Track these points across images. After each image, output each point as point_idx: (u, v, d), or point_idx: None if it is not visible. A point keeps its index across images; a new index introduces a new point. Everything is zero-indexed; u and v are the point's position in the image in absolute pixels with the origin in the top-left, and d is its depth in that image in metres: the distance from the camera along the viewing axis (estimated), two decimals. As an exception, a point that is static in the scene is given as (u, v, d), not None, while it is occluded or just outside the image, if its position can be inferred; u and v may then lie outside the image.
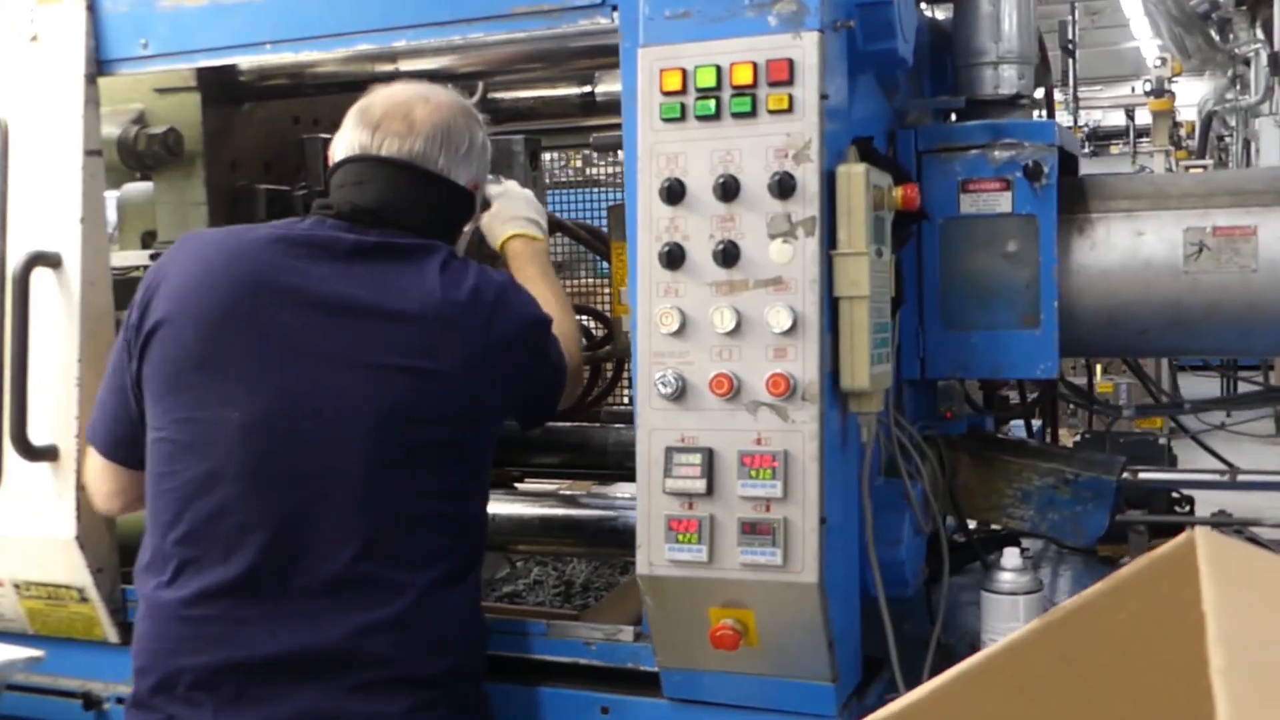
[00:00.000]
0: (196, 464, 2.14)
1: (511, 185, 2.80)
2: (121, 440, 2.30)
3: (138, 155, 2.96)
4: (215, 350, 2.15)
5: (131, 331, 2.24)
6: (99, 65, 2.72)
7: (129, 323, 2.25)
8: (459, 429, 2.22)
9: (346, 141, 2.33)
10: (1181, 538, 1.16)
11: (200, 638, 2.13)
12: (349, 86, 2.93)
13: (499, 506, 3.03)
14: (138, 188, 3.20)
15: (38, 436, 2.62)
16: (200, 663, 2.12)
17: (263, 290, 2.18)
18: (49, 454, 2.63)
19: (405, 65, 2.82)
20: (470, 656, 2.29)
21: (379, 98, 2.34)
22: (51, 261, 2.62)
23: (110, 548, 2.67)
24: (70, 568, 2.65)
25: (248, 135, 3.10)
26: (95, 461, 2.38)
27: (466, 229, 2.47)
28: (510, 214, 2.71)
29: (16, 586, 2.76)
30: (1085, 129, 16.56)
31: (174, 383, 2.17)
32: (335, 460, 2.13)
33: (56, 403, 2.64)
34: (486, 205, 2.70)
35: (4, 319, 2.66)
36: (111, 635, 2.72)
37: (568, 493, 3.49)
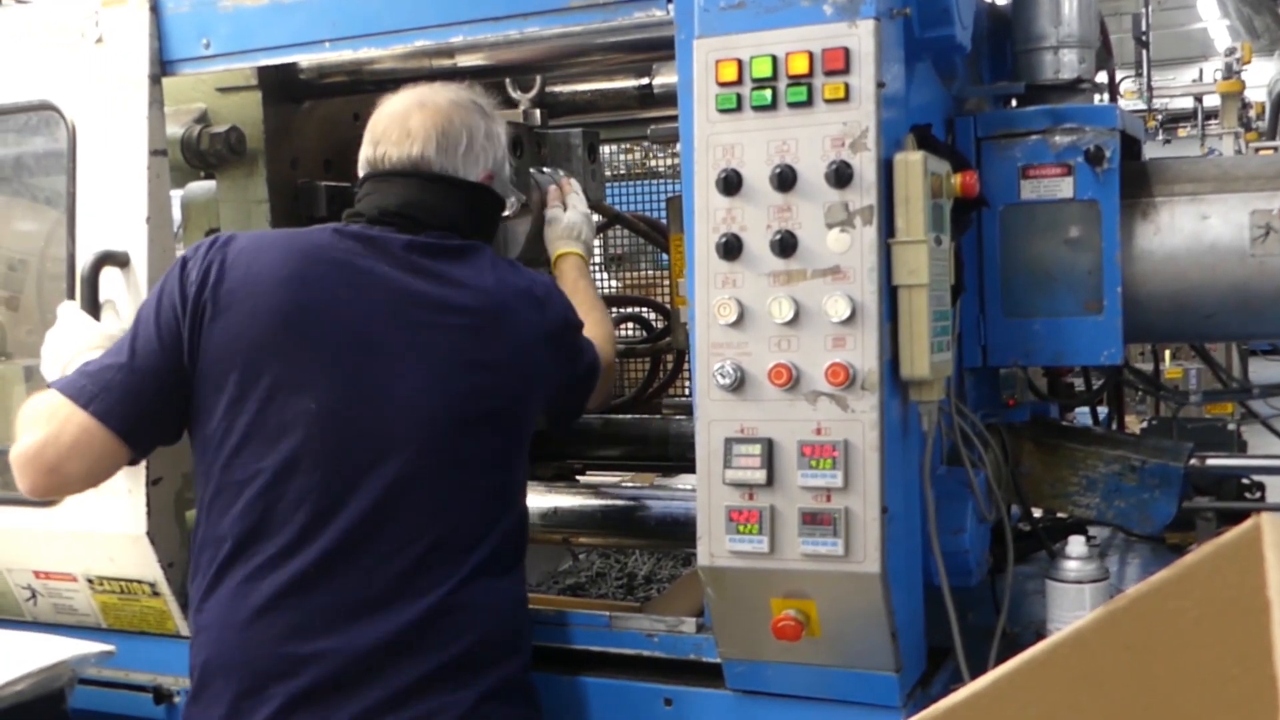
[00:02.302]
0: (270, 453, 2.17)
1: (574, 207, 2.92)
2: (143, 418, 2.24)
3: (201, 154, 3.00)
4: (289, 339, 2.19)
5: (184, 313, 2.22)
6: (163, 66, 2.76)
7: (175, 304, 2.23)
8: (509, 419, 2.32)
9: (360, 159, 2.45)
10: (1247, 524, 1.15)
11: (271, 628, 2.15)
12: (407, 83, 2.96)
13: (562, 499, 3.06)
14: (201, 186, 3.24)
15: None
16: (269, 654, 2.14)
17: (335, 281, 2.23)
18: None
19: (463, 60, 2.83)
20: (524, 646, 2.35)
21: (381, 112, 2.43)
22: (120, 261, 2.66)
23: (180, 542, 2.70)
24: (142, 562, 2.69)
25: (308, 133, 3.13)
26: (84, 434, 2.20)
27: (514, 223, 2.51)
28: (569, 234, 2.87)
29: (89, 581, 2.81)
30: (1160, 115, 16.28)
31: (244, 371, 2.18)
32: (406, 449, 2.18)
33: None
34: (527, 207, 2.88)
35: (74, 318, 2.69)
36: (183, 629, 2.75)
37: (629, 485, 3.51)
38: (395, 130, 2.38)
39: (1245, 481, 3.03)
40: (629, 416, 3.56)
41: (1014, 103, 2.75)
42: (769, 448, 2.13)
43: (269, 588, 2.16)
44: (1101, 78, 2.85)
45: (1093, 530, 3.01)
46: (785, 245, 2.12)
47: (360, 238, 2.30)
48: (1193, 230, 2.54)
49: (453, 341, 2.24)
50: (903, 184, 2.11)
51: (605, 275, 4.41)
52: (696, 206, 2.20)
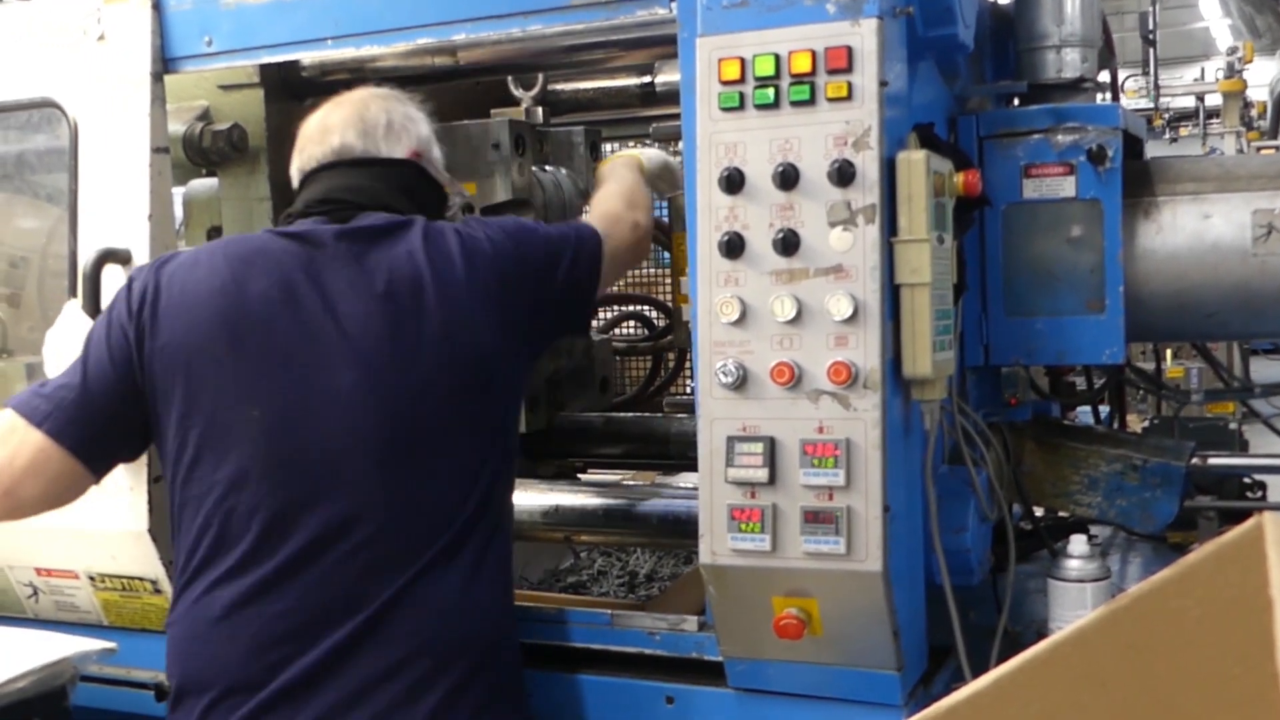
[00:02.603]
0: (222, 465, 2.16)
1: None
2: (98, 437, 2.27)
3: (203, 152, 3.00)
4: (229, 349, 2.18)
5: (131, 334, 2.24)
6: (165, 63, 2.76)
7: (122, 324, 2.25)
8: (465, 391, 2.23)
9: (292, 173, 2.46)
10: (1249, 523, 1.15)
11: (234, 640, 2.14)
12: (410, 81, 2.96)
13: (563, 497, 3.05)
14: (203, 184, 3.24)
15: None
16: (235, 666, 2.13)
17: (269, 284, 2.21)
18: None
19: (465, 58, 2.83)
20: (501, 644, 2.30)
21: (302, 129, 2.46)
22: (121, 258, 2.66)
23: None
24: (143, 559, 2.69)
25: (310, 130, 3.12)
26: (39, 454, 2.23)
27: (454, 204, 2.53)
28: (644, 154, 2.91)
29: (91, 578, 2.81)
30: (1166, 114, 16.24)
31: (189, 386, 2.18)
32: (357, 446, 2.15)
33: None
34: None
35: (76, 315, 2.69)
36: None
37: (631, 483, 3.50)
38: (315, 133, 2.41)
39: (1246, 481, 3.03)
40: (630, 415, 3.56)
41: (1016, 102, 2.75)
42: (771, 446, 2.13)
43: (228, 599, 2.15)
44: (1104, 77, 2.84)
45: (1094, 529, 3.01)
46: (788, 244, 2.12)
47: (292, 235, 2.28)
48: (1195, 229, 2.54)
49: (389, 329, 2.18)
50: (905, 183, 2.11)
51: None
52: (699, 205, 2.20)
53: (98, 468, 2.30)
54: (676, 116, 2.38)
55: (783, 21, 2.14)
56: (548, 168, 3.15)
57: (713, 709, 2.38)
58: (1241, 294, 2.50)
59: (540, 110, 3.27)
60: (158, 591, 2.73)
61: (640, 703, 2.45)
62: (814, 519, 2.11)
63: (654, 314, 3.92)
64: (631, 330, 3.98)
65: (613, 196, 2.67)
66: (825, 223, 2.11)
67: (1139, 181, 2.59)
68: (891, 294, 2.13)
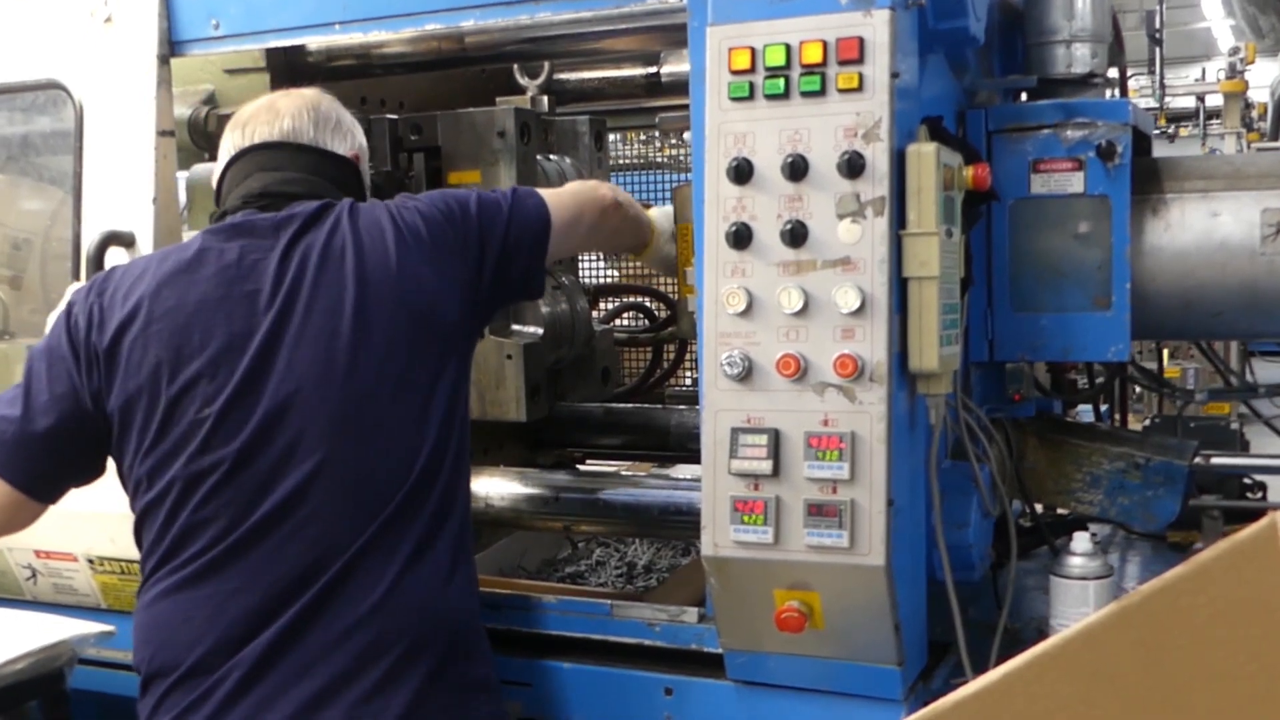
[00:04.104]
0: (175, 464, 2.14)
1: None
2: (42, 471, 2.26)
3: (208, 136, 3.00)
4: (179, 356, 2.15)
5: (77, 364, 2.22)
6: (171, 46, 2.75)
7: (65, 355, 2.23)
8: (418, 357, 2.20)
9: (223, 149, 2.38)
10: (1263, 522, 1.14)
11: (191, 621, 2.12)
12: (417, 67, 2.96)
13: (561, 487, 3.04)
14: (207, 168, 3.22)
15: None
16: (197, 646, 2.11)
17: (210, 285, 2.18)
18: None
19: (472, 46, 2.82)
20: (461, 615, 2.24)
21: (244, 107, 2.41)
22: (125, 241, 2.66)
23: None
24: None
25: (315, 116, 3.11)
26: None
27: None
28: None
29: (90, 561, 2.81)
30: (1168, 112, 16.17)
31: (149, 400, 2.16)
32: (305, 434, 2.12)
33: None
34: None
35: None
36: None
37: (629, 474, 3.50)
38: (264, 112, 2.36)
39: (1246, 481, 3.03)
40: (630, 405, 3.55)
41: (1025, 96, 2.74)
42: (776, 438, 2.13)
43: (183, 581, 2.13)
44: (1112, 73, 2.84)
45: (1093, 527, 3.01)
46: (796, 235, 2.11)
47: (229, 230, 2.24)
48: (1203, 227, 2.53)
49: (331, 304, 2.16)
50: (915, 176, 2.10)
51: (605, 265, 4.42)
52: (707, 195, 2.19)
53: (45, 497, 2.29)
54: (682, 107, 2.37)
55: (794, 11, 2.13)
56: (552, 156, 3.14)
57: (712, 701, 2.38)
58: (1249, 293, 2.49)
59: (546, 99, 3.25)
60: None
61: (639, 694, 2.45)
62: (817, 512, 2.10)
63: (655, 305, 3.91)
64: (632, 321, 3.97)
65: (588, 181, 2.68)
66: (834, 214, 2.10)
67: (1147, 178, 2.58)
68: (899, 287, 2.12)
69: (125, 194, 2.70)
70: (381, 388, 2.16)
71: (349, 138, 2.41)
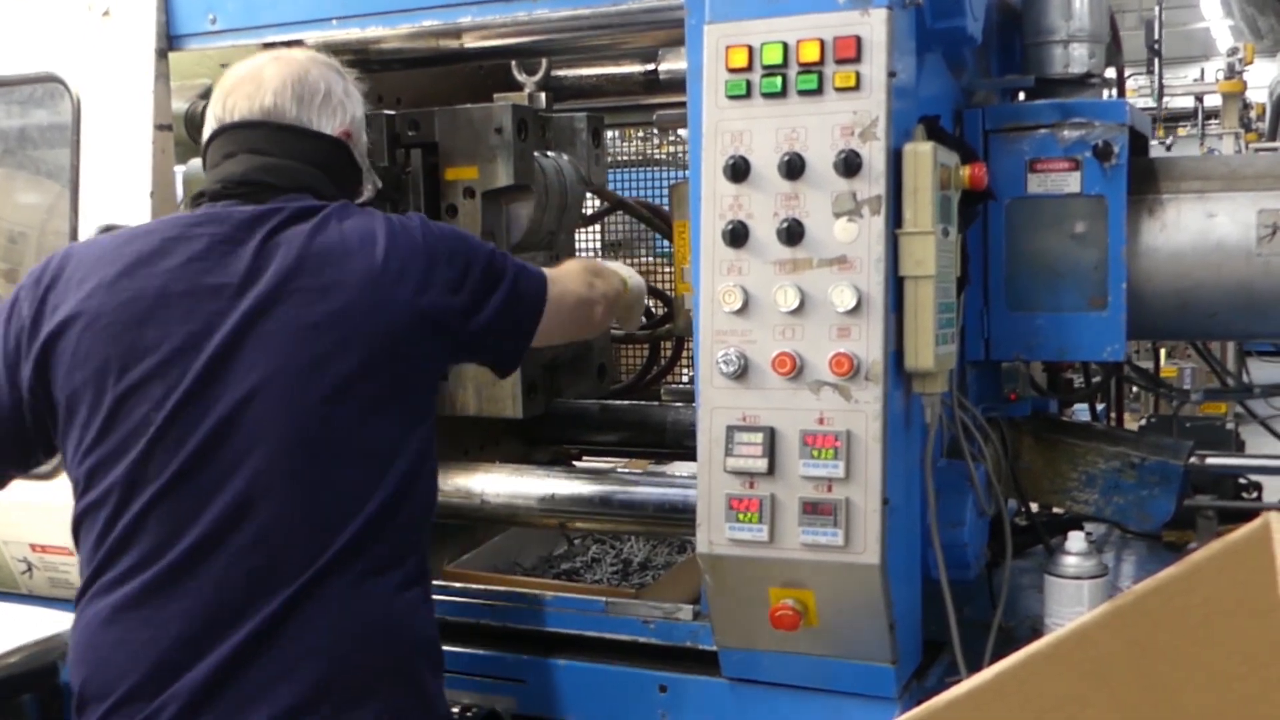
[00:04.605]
0: (116, 469, 2.01)
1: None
2: None
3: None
4: (128, 351, 2.02)
5: (22, 352, 2.10)
6: (169, 40, 2.74)
7: (7, 345, 2.12)
8: (383, 377, 2.06)
9: (208, 117, 2.25)
10: (1256, 523, 1.14)
11: (125, 644, 1.98)
12: (414, 63, 2.95)
13: (558, 484, 3.04)
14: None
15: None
16: (133, 671, 1.97)
17: (169, 279, 2.05)
18: None
19: (470, 42, 2.82)
20: (417, 643, 2.11)
21: (231, 71, 2.27)
22: None
23: None
24: None
25: (312, 111, 3.11)
26: None
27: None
28: None
29: None
30: (1166, 112, 16.09)
31: (94, 394, 2.03)
32: (256, 448, 1.98)
33: None
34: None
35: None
36: None
37: (626, 471, 3.50)
38: (247, 83, 2.20)
39: (1242, 481, 3.03)
40: (627, 402, 3.55)
41: (1022, 96, 2.74)
42: (771, 436, 2.13)
43: (121, 601, 1.99)
44: (1110, 73, 2.84)
45: (1088, 526, 3.01)
46: (792, 233, 2.11)
47: (200, 221, 2.10)
48: (1199, 228, 2.53)
49: (299, 313, 2.01)
50: (911, 175, 2.11)
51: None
52: (704, 193, 2.20)
53: None
54: (680, 104, 2.37)
55: (792, 10, 2.13)
56: (550, 153, 3.14)
57: (706, 698, 2.38)
58: (1245, 294, 2.50)
59: (543, 96, 3.25)
60: None
61: (634, 690, 2.45)
62: (812, 510, 2.11)
63: (652, 302, 3.91)
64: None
65: (584, 263, 2.58)
66: (830, 213, 2.10)
67: (1144, 179, 2.59)
68: (895, 286, 2.12)
69: (122, 188, 2.69)
70: (346, 407, 2.02)
71: (339, 112, 2.24)
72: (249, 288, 2.03)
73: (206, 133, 2.24)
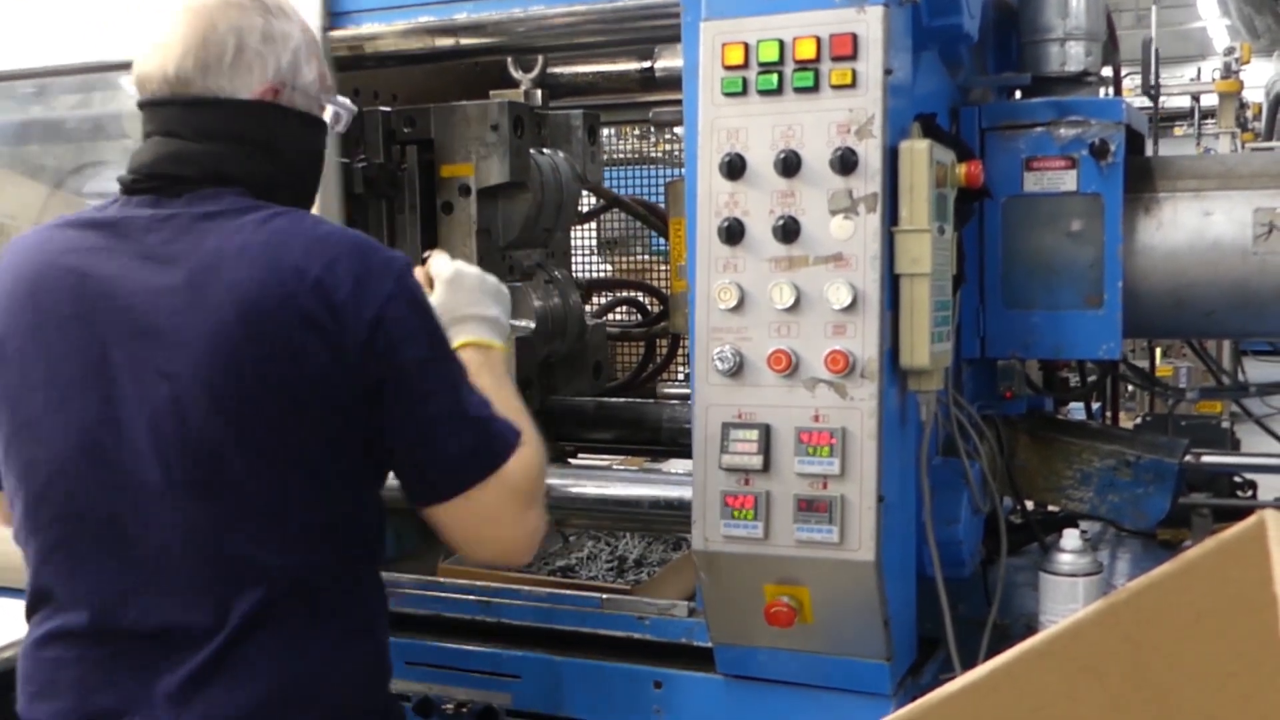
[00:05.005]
0: (17, 510, 1.87)
1: (461, 268, 2.14)
2: None
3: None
4: (20, 378, 1.83)
5: None
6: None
7: None
8: (276, 438, 1.77)
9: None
10: (1251, 520, 1.14)
11: (54, 683, 1.84)
12: (410, 60, 2.94)
13: (554, 481, 3.04)
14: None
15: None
16: (55, 709, 1.82)
17: (64, 297, 1.82)
18: None
19: (465, 40, 2.82)
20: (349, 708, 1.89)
21: (144, 26, 1.92)
22: None
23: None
24: None
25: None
26: None
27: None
28: (457, 311, 2.07)
29: None
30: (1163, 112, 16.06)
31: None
32: (155, 487, 1.76)
33: None
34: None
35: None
36: None
37: (621, 468, 3.50)
38: (153, 49, 1.87)
39: (1237, 480, 3.04)
40: (622, 400, 3.55)
41: (1019, 94, 2.74)
42: (766, 433, 2.13)
43: (46, 652, 1.85)
44: (1107, 71, 2.84)
45: (1083, 524, 3.01)
46: (788, 231, 2.11)
47: (101, 226, 1.85)
48: (1195, 226, 2.53)
49: (183, 344, 1.74)
50: (907, 172, 2.11)
51: (598, 259, 4.41)
52: (699, 190, 2.20)
53: None
54: (676, 102, 2.37)
55: (788, 7, 2.14)
56: (545, 151, 3.13)
57: (701, 695, 2.38)
58: (1240, 292, 2.50)
59: (539, 93, 3.25)
60: None
61: (629, 687, 2.45)
62: (807, 507, 2.11)
63: (648, 300, 3.91)
64: (625, 316, 3.97)
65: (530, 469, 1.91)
66: (826, 210, 2.10)
67: (1140, 177, 2.59)
68: (891, 284, 2.12)
69: None
70: (240, 452, 1.75)
71: (257, 65, 1.87)
72: (147, 310, 1.79)
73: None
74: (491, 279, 2.17)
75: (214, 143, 1.86)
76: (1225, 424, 4.68)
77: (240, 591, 1.77)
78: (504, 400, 1.95)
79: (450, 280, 2.10)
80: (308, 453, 1.79)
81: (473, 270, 2.15)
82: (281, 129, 1.92)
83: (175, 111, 1.87)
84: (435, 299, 2.03)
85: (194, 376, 1.74)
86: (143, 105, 1.90)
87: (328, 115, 2.04)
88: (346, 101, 2.09)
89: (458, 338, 2.02)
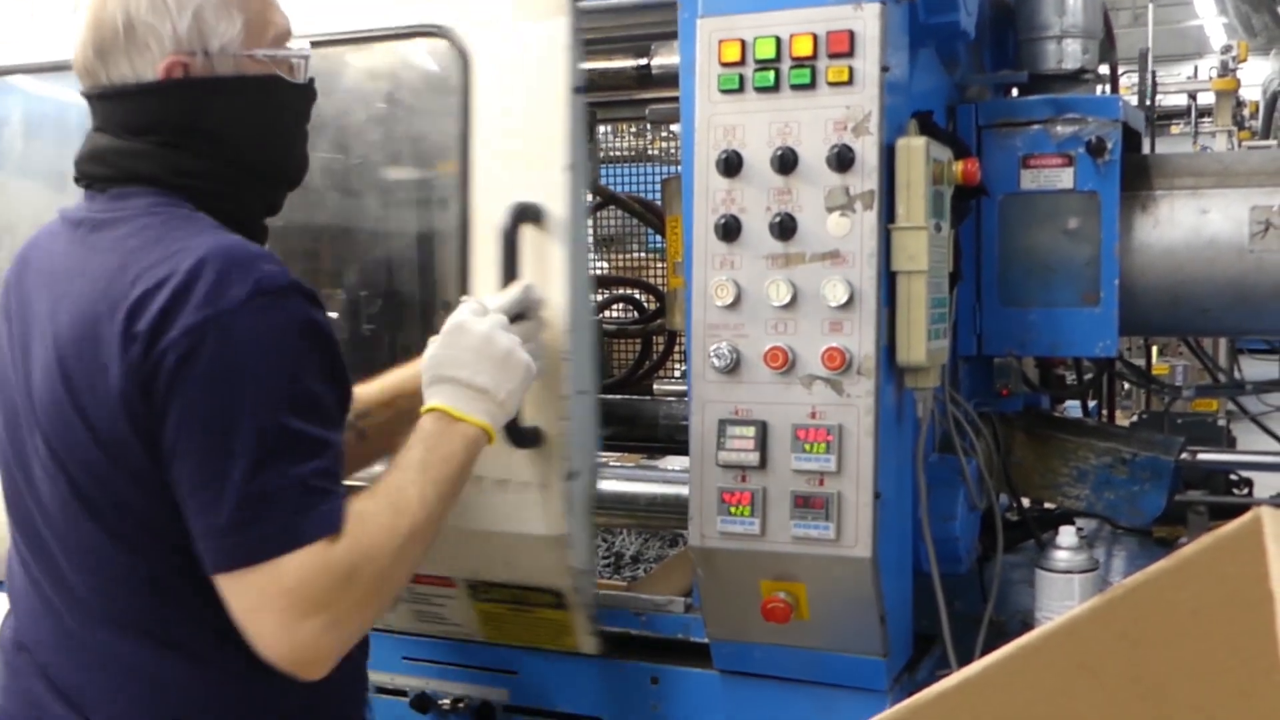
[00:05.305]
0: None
1: (464, 322, 1.91)
2: None
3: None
4: None
5: None
6: None
7: None
8: (108, 489, 1.66)
9: None
10: (1247, 516, 1.14)
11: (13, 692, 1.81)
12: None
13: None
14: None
15: (521, 418, 2.12)
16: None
17: (8, 304, 1.82)
18: (533, 438, 2.18)
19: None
20: None
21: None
22: (533, 216, 2.22)
23: (593, 548, 2.37)
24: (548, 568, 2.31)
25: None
26: None
27: None
28: (438, 369, 1.88)
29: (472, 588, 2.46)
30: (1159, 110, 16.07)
31: None
32: (46, 502, 1.71)
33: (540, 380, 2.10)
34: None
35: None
36: (587, 646, 2.44)
37: (618, 465, 3.50)
38: (77, 42, 1.74)
39: (1233, 477, 3.04)
40: (619, 397, 3.55)
41: (1016, 92, 2.74)
42: (763, 430, 2.13)
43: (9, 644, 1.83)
44: (1104, 69, 2.84)
45: (1079, 521, 3.02)
46: (785, 228, 2.11)
47: (42, 234, 1.82)
48: (1192, 224, 2.54)
49: (43, 358, 1.68)
50: (904, 169, 2.11)
51: (595, 256, 4.41)
52: (696, 187, 2.19)
53: None
54: (673, 99, 2.36)
55: (784, 4, 2.13)
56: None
57: (698, 690, 2.38)
58: (1237, 290, 2.51)
59: (537, 90, 3.24)
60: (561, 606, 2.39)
61: (626, 683, 2.45)
62: (804, 504, 2.11)
63: (644, 297, 3.91)
64: (621, 313, 3.97)
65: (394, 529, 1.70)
66: (823, 208, 2.10)
67: (1137, 175, 2.59)
68: (888, 281, 2.12)
69: (532, 161, 2.22)
70: (63, 518, 1.69)
71: (151, 41, 1.67)
72: (37, 336, 1.73)
73: None
74: (504, 346, 1.89)
75: (131, 137, 1.72)
76: (1221, 422, 4.70)
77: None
78: (417, 487, 1.71)
79: (448, 332, 1.91)
80: (113, 481, 1.66)
81: (480, 329, 1.89)
82: (201, 108, 1.70)
83: (95, 106, 1.74)
84: (428, 350, 1.90)
85: (37, 391, 1.68)
86: (85, 97, 1.79)
87: (284, 71, 1.78)
88: (300, 46, 1.82)
89: (428, 399, 1.85)
